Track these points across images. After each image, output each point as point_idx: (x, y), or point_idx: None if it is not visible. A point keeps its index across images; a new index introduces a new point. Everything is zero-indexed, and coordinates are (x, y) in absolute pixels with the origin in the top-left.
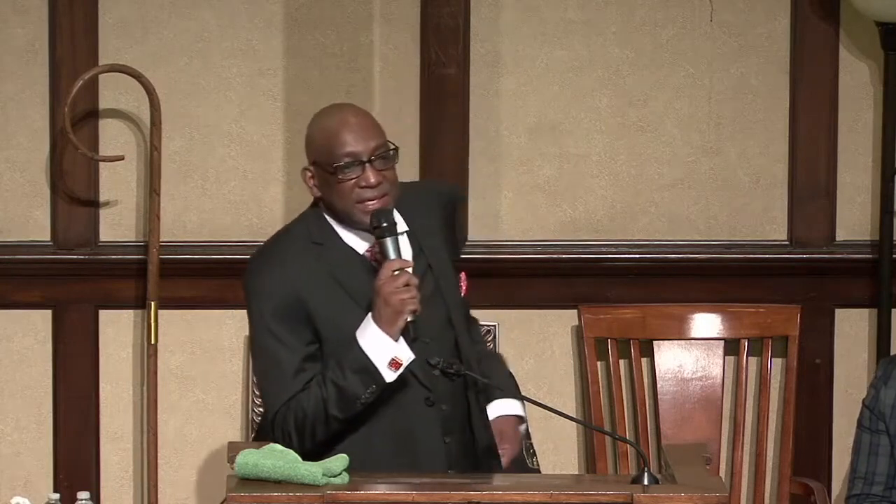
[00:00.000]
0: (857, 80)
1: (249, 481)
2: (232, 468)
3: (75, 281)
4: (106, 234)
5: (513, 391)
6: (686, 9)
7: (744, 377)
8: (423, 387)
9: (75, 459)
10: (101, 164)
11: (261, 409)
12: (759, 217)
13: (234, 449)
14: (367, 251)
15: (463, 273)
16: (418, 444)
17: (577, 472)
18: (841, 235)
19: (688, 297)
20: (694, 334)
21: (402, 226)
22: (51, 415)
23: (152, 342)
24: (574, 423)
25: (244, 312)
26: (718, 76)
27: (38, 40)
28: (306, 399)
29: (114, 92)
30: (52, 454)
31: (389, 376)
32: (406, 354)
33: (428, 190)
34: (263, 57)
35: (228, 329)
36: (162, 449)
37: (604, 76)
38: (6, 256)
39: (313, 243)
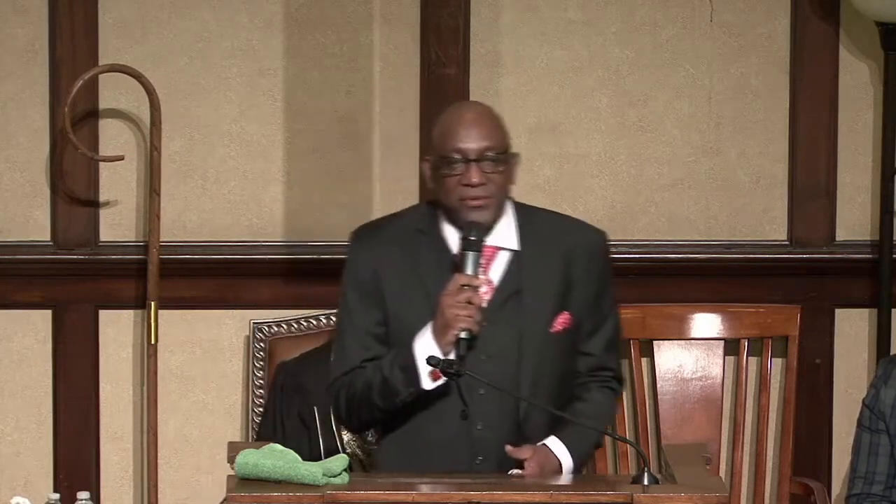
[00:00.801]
0: (857, 80)
1: (249, 481)
2: (232, 468)
3: (75, 281)
4: (106, 234)
5: (572, 439)
6: (686, 9)
7: (744, 377)
8: (460, 399)
9: (75, 459)
10: (101, 164)
11: (260, 409)
12: (759, 217)
13: (234, 449)
14: (457, 252)
15: (567, 314)
16: (447, 456)
17: None
18: (841, 235)
19: (688, 297)
20: (694, 334)
21: (509, 243)
22: (51, 415)
23: (152, 342)
24: None
25: (244, 312)
26: (718, 76)
27: (38, 40)
28: (359, 378)
29: (114, 92)
30: (52, 454)
31: (428, 384)
32: (473, 375)
33: (578, 231)
34: (263, 57)
35: (228, 329)
36: (162, 449)
37: (604, 76)
38: (6, 256)
39: (416, 230)
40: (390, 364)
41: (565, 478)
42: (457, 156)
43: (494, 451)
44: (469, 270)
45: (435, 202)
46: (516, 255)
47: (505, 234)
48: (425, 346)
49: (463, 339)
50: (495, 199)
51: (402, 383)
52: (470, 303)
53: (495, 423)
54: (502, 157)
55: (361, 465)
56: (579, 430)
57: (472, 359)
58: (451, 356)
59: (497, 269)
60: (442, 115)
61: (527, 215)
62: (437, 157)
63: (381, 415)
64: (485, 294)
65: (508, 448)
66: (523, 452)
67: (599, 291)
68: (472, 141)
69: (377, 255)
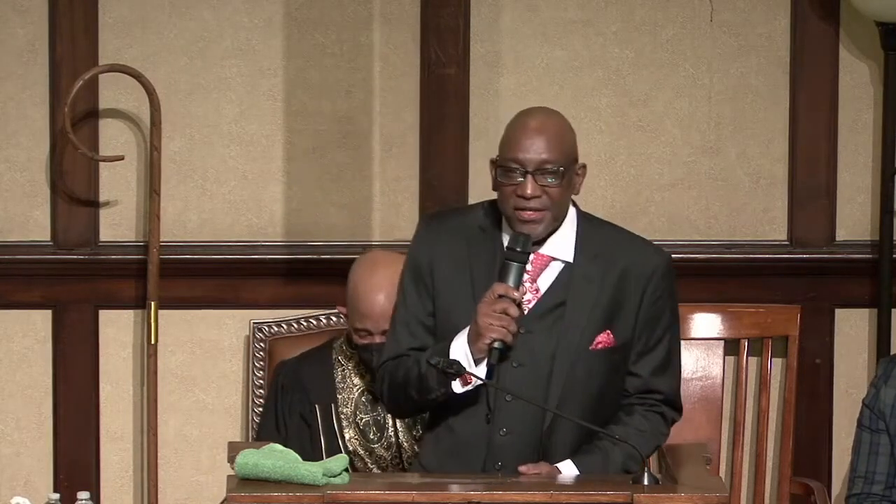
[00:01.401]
0: (857, 80)
1: (249, 481)
2: (232, 468)
3: (75, 281)
4: (106, 234)
5: (589, 466)
6: (686, 9)
7: (744, 377)
8: (486, 404)
9: (75, 459)
10: (101, 164)
11: (260, 409)
12: (759, 217)
13: (234, 449)
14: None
15: (609, 333)
16: (470, 458)
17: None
18: (841, 235)
19: (688, 297)
20: (694, 334)
21: (563, 254)
22: (51, 415)
23: (152, 342)
24: None
25: (244, 312)
26: (718, 76)
27: (38, 40)
28: (401, 367)
29: (114, 92)
30: (52, 454)
31: (457, 387)
32: (478, 376)
33: (639, 250)
34: (263, 57)
35: (228, 329)
36: (162, 449)
37: (604, 76)
38: (6, 256)
39: (479, 227)
40: (427, 361)
41: None
42: (514, 165)
43: (514, 459)
44: (510, 281)
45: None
46: (569, 267)
47: (561, 245)
48: (459, 349)
49: (495, 348)
50: (550, 213)
51: (437, 382)
52: (505, 313)
53: (518, 431)
54: (560, 171)
55: (364, 464)
56: (600, 458)
57: (503, 364)
58: (483, 365)
59: (546, 279)
60: (511, 119)
61: (590, 228)
62: (498, 163)
63: (416, 408)
64: (529, 302)
65: (522, 468)
66: (536, 469)
67: (653, 312)
68: (530, 152)
69: (437, 245)
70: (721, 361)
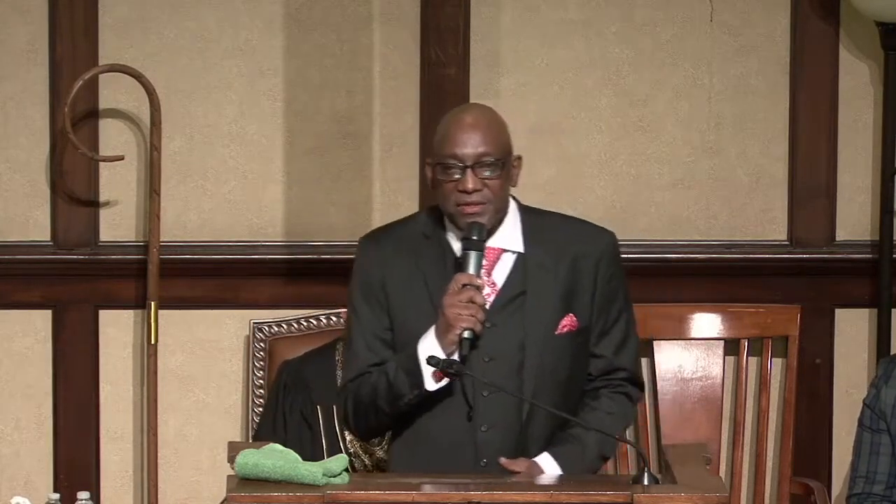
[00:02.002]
0: (857, 80)
1: (249, 481)
2: (232, 468)
3: (75, 281)
4: (106, 234)
5: (566, 457)
6: (686, 9)
7: (744, 377)
8: (465, 401)
9: (75, 459)
10: (101, 164)
11: (260, 409)
12: (759, 217)
13: (234, 449)
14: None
15: (573, 316)
16: (452, 459)
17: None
18: (841, 235)
19: (688, 297)
20: (694, 334)
21: (513, 246)
22: (51, 415)
23: (152, 342)
24: None
25: (244, 312)
26: (718, 76)
27: (38, 40)
28: (365, 384)
29: (114, 92)
30: (52, 454)
31: (431, 385)
32: (470, 374)
33: (585, 233)
34: (263, 57)
35: (228, 329)
36: (162, 449)
37: (604, 76)
38: (6, 256)
39: (422, 235)
40: (394, 368)
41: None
42: (453, 161)
43: (498, 455)
44: (471, 270)
45: (437, 206)
46: (521, 257)
47: (510, 236)
48: (428, 347)
49: (465, 338)
50: (492, 205)
51: (407, 386)
52: (472, 302)
53: (499, 425)
54: (499, 163)
55: (364, 465)
56: (576, 447)
57: (474, 361)
58: (455, 357)
59: (501, 272)
60: (443, 118)
61: (533, 217)
62: (435, 161)
63: (388, 420)
64: (488, 296)
65: (503, 460)
66: (517, 465)
67: (608, 293)
68: (468, 147)
69: (384, 260)
70: (721, 361)
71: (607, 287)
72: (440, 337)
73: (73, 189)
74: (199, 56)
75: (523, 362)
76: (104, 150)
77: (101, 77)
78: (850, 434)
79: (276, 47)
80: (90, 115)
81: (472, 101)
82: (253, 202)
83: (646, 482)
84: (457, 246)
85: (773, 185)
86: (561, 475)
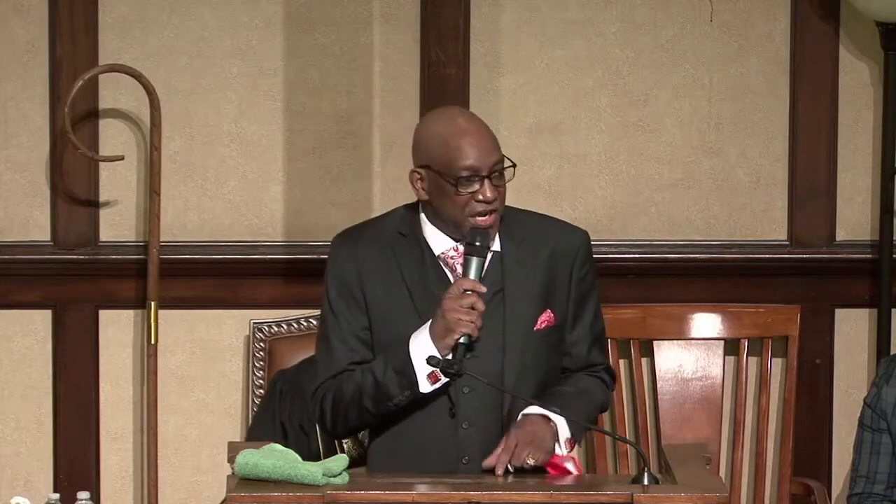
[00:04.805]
0: (857, 80)
1: (249, 481)
2: (232, 468)
3: (75, 281)
4: (106, 234)
5: (556, 404)
6: (686, 9)
7: (744, 377)
8: (448, 399)
9: (75, 459)
10: (101, 164)
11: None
12: (759, 217)
13: (234, 449)
14: (442, 253)
15: (550, 312)
16: (435, 457)
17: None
18: (841, 235)
19: (688, 297)
20: (694, 334)
21: (492, 245)
22: (51, 415)
23: (152, 342)
24: None
25: (244, 312)
26: (718, 76)
27: (38, 40)
28: (347, 382)
29: (114, 92)
30: (52, 454)
31: (425, 387)
32: (473, 375)
33: (559, 231)
34: (263, 57)
35: (228, 329)
36: (162, 449)
37: (604, 76)
38: (6, 256)
39: (398, 233)
40: (383, 367)
41: (562, 433)
42: (469, 174)
43: (479, 452)
44: (472, 275)
45: (413, 206)
46: (498, 256)
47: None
48: (421, 348)
49: (462, 343)
50: (500, 211)
51: (398, 387)
52: (473, 308)
53: (480, 423)
54: (507, 167)
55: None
56: (562, 401)
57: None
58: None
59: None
60: (432, 127)
61: (508, 216)
62: (443, 174)
63: (371, 419)
64: None
65: (485, 462)
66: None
67: (583, 290)
68: (482, 157)
69: (359, 258)
70: (721, 361)
71: (581, 283)
72: (437, 339)
73: (73, 189)
74: (199, 56)
75: (504, 358)
76: (104, 150)
77: (101, 77)
78: (850, 434)
79: (276, 47)
80: (90, 115)
81: (471, 101)
82: (253, 202)
83: (646, 482)
84: (436, 246)
85: (773, 185)
86: (560, 431)
